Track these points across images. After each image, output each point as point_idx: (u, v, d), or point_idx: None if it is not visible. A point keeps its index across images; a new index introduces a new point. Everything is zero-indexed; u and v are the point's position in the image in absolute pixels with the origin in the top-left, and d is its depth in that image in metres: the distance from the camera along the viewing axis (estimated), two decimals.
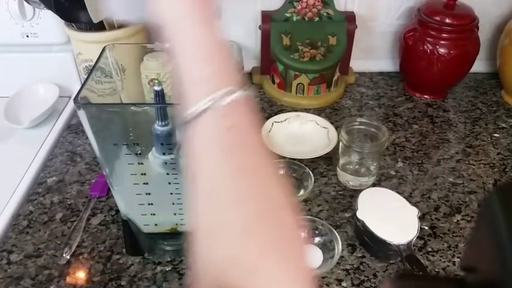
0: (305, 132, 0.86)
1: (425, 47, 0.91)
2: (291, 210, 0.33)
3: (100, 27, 0.80)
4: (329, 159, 0.80)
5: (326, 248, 0.63)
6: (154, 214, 0.59)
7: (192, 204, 0.33)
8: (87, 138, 0.65)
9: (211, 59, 0.34)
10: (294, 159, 0.77)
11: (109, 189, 0.73)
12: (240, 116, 0.33)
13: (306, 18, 0.97)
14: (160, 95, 0.52)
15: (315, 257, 0.63)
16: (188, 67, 0.34)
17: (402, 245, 0.60)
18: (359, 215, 0.63)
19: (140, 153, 0.53)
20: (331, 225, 0.65)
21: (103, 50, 0.57)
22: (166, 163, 0.56)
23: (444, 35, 0.89)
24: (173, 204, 0.58)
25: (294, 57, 0.92)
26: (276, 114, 0.90)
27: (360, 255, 0.64)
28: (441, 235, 0.67)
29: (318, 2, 0.95)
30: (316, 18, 0.97)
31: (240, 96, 0.32)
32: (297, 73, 0.93)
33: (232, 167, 0.32)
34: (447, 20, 0.88)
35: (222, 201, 0.31)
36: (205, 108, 0.32)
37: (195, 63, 0.34)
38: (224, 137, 0.32)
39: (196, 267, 0.32)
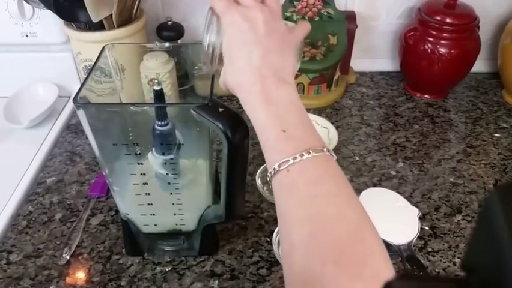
0: None
1: (426, 46, 0.90)
2: (347, 224, 0.37)
3: (100, 26, 0.80)
4: None
5: None
6: (153, 214, 0.59)
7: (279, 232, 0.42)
8: (86, 138, 0.65)
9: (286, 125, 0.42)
10: None
11: (108, 189, 0.73)
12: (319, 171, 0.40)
13: (306, 18, 0.97)
14: (159, 95, 0.52)
15: None
16: (269, 130, 0.42)
17: (402, 245, 0.60)
18: None
19: (140, 153, 0.53)
20: None
21: (103, 49, 0.57)
22: (165, 163, 0.56)
23: (445, 34, 0.89)
24: (173, 204, 0.57)
25: None
26: None
27: None
28: (441, 235, 0.67)
29: (319, 1, 0.94)
30: (317, 18, 0.97)
31: (300, 161, 0.39)
32: (297, 73, 0.92)
33: (291, 201, 0.40)
34: (448, 20, 0.88)
35: (290, 226, 0.39)
36: (274, 173, 0.40)
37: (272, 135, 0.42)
38: (284, 178, 0.40)
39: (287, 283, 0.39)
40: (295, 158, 0.39)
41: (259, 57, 0.43)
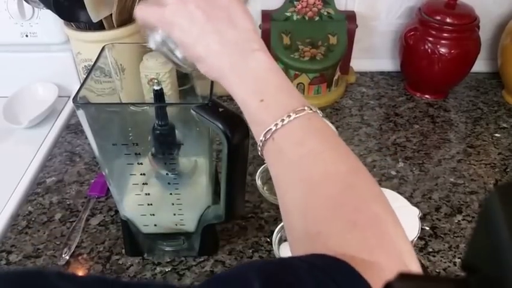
0: None
1: (426, 46, 0.90)
2: (341, 181, 0.37)
3: (99, 26, 0.80)
4: None
5: None
6: (153, 214, 0.59)
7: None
8: (86, 138, 0.65)
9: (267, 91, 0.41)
10: None
11: (108, 189, 0.73)
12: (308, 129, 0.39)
13: (307, 18, 0.97)
14: (159, 95, 0.52)
15: None
16: (248, 104, 0.42)
17: None
18: None
19: (139, 153, 0.53)
20: None
21: (102, 49, 0.57)
22: (165, 163, 0.56)
23: (445, 34, 0.89)
24: (172, 204, 0.57)
25: (294, 56, 0.92)
26: None
27: None
28: (442, 235, 0.67)
29: (319, 1, 0.94)
30: (317, 18, 0.96)
31: (282, 126, 0.39)
32: (297, 73, 0.92)
33: (283, 163, 0.39)
34: (448, 20, 0.88)
35: (285, 190, 0.39)
36: (262, 144, 0.40)
37: (254, 101, 0.41)
38: (272, 147, 0.40)
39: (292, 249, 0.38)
40: (276, 124, 0.39)
41: (215, 44, 0.42)
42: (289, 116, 0.39)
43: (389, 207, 0.36)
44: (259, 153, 0.42)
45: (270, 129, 0.39)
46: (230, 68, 0.42)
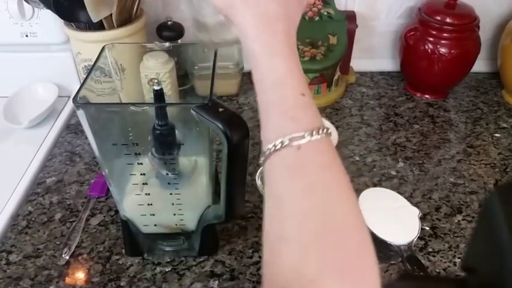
0: None
1: (426, 46, 0.90)
2: (355, 230, 0.32)
3: (99, 26, 0.80)
4: None
5: None
6: (153, 214, 0.59)
7: (265, 212, 0.34)
8: (86, 138, 0.65)
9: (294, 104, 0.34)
10: None
11: (108, 189, 0.73)
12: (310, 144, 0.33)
13: (306, 18, 0.97)
14: (159, 95, 0.52)
15: None
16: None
17: (403, 245, 0.60)
18: None
19: (139, 153, 0.53)
20: None
21: (102, 49, 0.57)
22: (165, 163, 0.56)
23: (445, 34, 0.89)
24: (172, 204, 0.57)
25: None
26: None
27: None
28: (442, 235, 0.67)
29: (319, 1, 0.94)
30: (317, 18, 0.96)
31: (316, 140, 0.33)
32: None
33: (297, 185, 0.33)
34: (448, 20, 0.88)
35: (287, 215, 0.32)
36: (280, 147, 0.33)
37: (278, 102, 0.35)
38: (292, 157, 0.33)
39: (265, 274, 0.33)
40: (311, 134, 0.32)
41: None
42: (325, 130, 0.33)
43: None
44: (264, 150, 0.35)
45: (303, 135, 0.33)
46: (286, 32, 0.37)
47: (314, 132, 0.32)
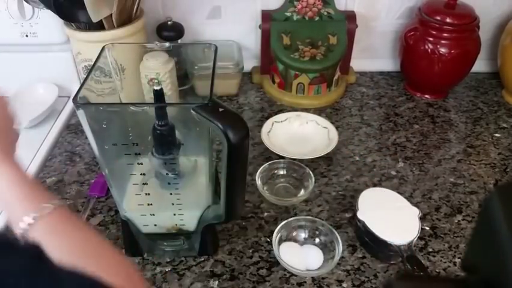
0: (305, 132, 0.85)
1: (426, 46, 0.90)
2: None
3: (99, 26, 0.80)
4: (330, 159, 0.80)
5: (327, 248, 0.63)
6: (153, 214, 0.59)
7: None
8: (86, 138, 0.65)
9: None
10: (294, 159, 0.77)
11: (108, 189, 0.73)
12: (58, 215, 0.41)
13: (307, 18, 0.97)
14: (159, 95, 0.52)
15: (315, 257, 0.62)
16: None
17: (403, 245, 0.60)
18: (360, 215, 0.63)
19: (139, 153, 0.53)
20: (331, 225, 0.65)
21: (102, 49, 0.57)
22: (165, 163, 0.56)
23: (445, 34, 0.89)
24: (172, 204, 0.57)
25: (294, 56, 0.92)
26: (276, 114, 0.89)
27: (360, 255, 0.64)
28: (442, 235, 0.67)
29: (319, 1, 0.94)
30: (317, 18, 0.96)
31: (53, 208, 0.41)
32: (297, 73, 0.92)
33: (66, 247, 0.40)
34: (448, 20, 0.88)
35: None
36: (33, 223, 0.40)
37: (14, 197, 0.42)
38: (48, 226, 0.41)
39: None
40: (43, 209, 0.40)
41: None
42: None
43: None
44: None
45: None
46: None
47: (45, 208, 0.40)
